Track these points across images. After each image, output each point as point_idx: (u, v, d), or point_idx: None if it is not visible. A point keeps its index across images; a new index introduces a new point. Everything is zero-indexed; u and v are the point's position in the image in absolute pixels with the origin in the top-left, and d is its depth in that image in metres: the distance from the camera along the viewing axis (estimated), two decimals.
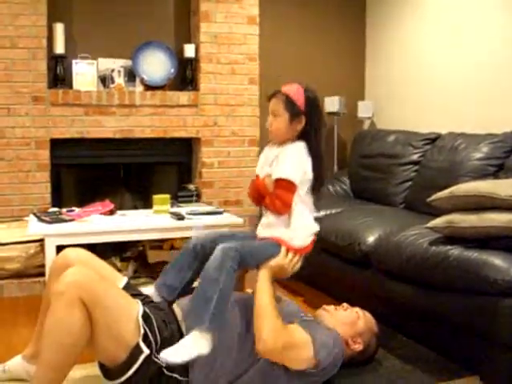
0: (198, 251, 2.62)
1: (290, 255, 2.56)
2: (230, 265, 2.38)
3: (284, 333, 2.34)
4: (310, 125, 2.57)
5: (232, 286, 2.40)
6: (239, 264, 2.42)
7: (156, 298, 2.61)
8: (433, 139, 4.10)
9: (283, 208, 2.55)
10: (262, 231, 2.65)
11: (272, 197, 2.56)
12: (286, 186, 2.52)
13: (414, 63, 4.86)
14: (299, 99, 2.56)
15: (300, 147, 2.57)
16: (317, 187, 2.62)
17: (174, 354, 2.25)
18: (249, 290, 2.81)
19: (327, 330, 2.49)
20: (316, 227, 2.67)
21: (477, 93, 4.20)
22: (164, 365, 2.27)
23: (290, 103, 2.55)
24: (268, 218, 2.63)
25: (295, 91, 2.58)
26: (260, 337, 2.31)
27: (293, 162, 2.54)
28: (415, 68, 4.85)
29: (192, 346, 2.27)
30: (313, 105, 2.59)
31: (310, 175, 2.56)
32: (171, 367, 2.29)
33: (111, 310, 2.22)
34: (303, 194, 2.58)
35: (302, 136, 2.58)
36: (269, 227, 2.62)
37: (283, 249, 2.55)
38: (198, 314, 2.32)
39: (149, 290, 2.66)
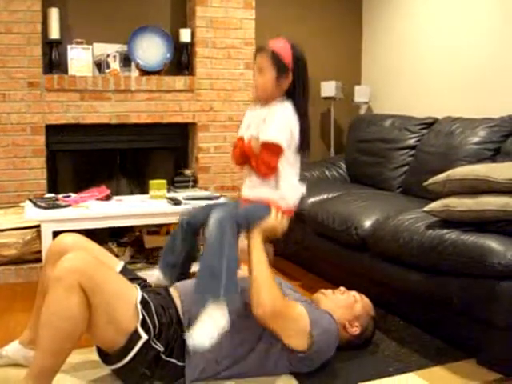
0: (185, 229, 2.63)
1: (280, 216, 2.53)
2: (230, 233, 2.36)
3: (282, 300, 2.37)
4: (297, 82, 2.53)
5: (237, 253, 2.37)
6: (237, 229, 2.40)
7: (163, 281, 2.64)
8: (429, 124, 4.10)
9: (269, 171, 2.51)
10: (248, 191, 2.62)
11: (258, 160, 2.52)
12: (272, 148, 2.48)
13: (411, 48, 4.84)
14: (286, 55, 2.52)
15: (287, 108, 2.52)
16: (304, 147, 2.57)
17: (199, 339, 2.23)
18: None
19: (322, 313, 2.51)
20: (302, 190, 2.64)
21: (474, 77, 4.19)
22: (162, 350, 2.28)
23: (276, 59, 2.50)
24: (253, 179, 2.60)
25: (282, 47, 2.54)
26: (259, 301, 2.33)
27: (280, 123, 2.49)
28: (412, 52, 4.83)
29: (211, 325, 2.24)
30: (300, 61, 2.55)
31: (297, 136, 2.52)
32: (169, 352, 2.30)
33: (110, 296, 2.22)
34: (290, 155, 2.54)
35: (288, 94, 2.54)
36: (254, 188, 2.59)
37: (274, 210, 2.52)
38: (210, 289, 2.28)
39: (155, 274, 2.70)
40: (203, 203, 3.58)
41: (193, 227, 2.63)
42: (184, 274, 2.71)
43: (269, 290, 2.36)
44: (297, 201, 2.63)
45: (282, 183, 2.55)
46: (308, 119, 2.58)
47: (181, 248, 2.65)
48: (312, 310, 2.48)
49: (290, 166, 2.56)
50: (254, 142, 2.56)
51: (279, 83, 2.52)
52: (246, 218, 2.47)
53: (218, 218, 2.38)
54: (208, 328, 2.24)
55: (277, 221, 2.52)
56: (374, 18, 5.32)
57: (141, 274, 2.73)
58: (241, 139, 2.66)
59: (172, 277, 2.66)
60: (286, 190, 2.56)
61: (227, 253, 2.32)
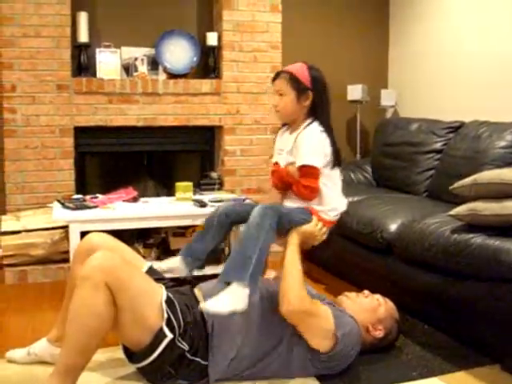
0: (222, 220, 2.71)
1: (320, 224, 2.60)
2: (270, 223, 2.42)
3: (309, 300, 2.39)
4: (317, 100, 2.59)
5: (270, 244, 2.44)
6: (277, 224, 2.46)
7: (181, 268, 2.71)
8: (456, 127, 4.07)
9: (311, 195, 2.59)
10: (290, 204, 2.67)
11: (298, 185, 2.58)
12: (310, 172, 2.55)
13: (438, 51, 4.82)
14: (304, 75, 2.58)
15: (315, 128, 2.59)
16: (336, 162, 2.63)
17: (215, 306, 2.29)
18: (269, 275, 2.84)
19: (346, 316, 2.52)
20: (343, 206, 2.71)
21: (501, 81, 4.16)
22: (186, 349, 2.30)
23: (295, 80, 2.58)
24: (294, 198, 2.66)
25: (298, 68, 2.61)
26: (286, 298, 2.36)
27: (312, 145, 2.56)
28: (438, 56, 4.81)
29: (231, 299, 2.29)
30: (318, 79, 2.61)
31: (329, 154, 2.59)
32: (194, 351, 2.32)
33: (136, 295, 2.25)
34: (328, 173, 2.60)
35: (311, 113, 2.60)
36: (295, 203, 2.65)
37: (315, 217, 2.59)
38: (238, 269, 2.35)
39: (173, 259, 2.75)
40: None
41: (228, 220, 2.70)
42: (203, 265, 2.79)
43: (298, 290, 2.38)
44: (338, 215, 2.70)
45: (323, 201, 2.62)
46: (332, 134, 2.64)
47: (212, 238, 2.72)
48: (336, 311, 2.49)
49: (329, 183, 2.63)
50: (291, 167, 2.64)
51: (300, 103, 2.60)
52: (286, 216, 2.53)
53: (262, 207, 2.46)
54: (227, 299, 2.29)
55: (316, 228, 2.58)
56: (400, 22, 5.31)
57: (168, 260, 2.81)
58: (276, 165, 2.74)
59: (192, 265, 2.73)
60: (327, 208, 2.63)
61: (262, 241, 2.39)
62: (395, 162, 4.41)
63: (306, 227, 2.57)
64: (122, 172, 4.71)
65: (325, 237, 2.67)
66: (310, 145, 2.57)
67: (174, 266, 2.75)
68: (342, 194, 2.74)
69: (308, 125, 2.61)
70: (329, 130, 2.62)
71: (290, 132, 2.70)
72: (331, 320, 2.41)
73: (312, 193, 2.58)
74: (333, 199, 2.65)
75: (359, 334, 2.51)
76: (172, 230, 3.81)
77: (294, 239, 2.54)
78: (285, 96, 2.60)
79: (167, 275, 2.72)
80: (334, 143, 2.61)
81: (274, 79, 2.67)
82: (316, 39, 5.20)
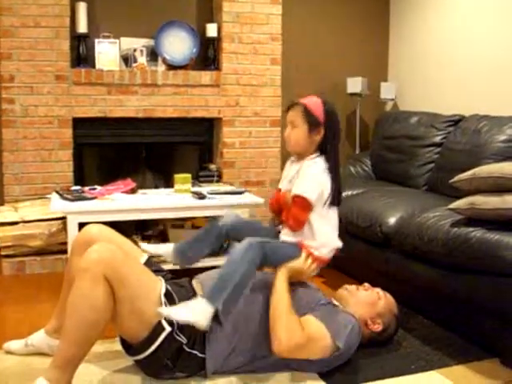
0: (222, 233, 2.70)
1: (309, 261, 2.57)
2: (253, 258, 2.41)
3: (299, 331, 2.35)
4: (328, 137, 2.57)
5: (250, 278, 2.42)
6: (261, 260, 2.45)
7: (168, 258, 2.74)
8: (456, 121, 4.06)
9: (296, 226, 2.56)
10: (285, 238, 2.65)
11: (288, 213, 2.57)
12: (301, 203, 2.52)
13: (438, 44, 4.80)
14: (318, 110, 2.56)
15: (319, 164, 2.57)
16: (336, 200, 2.60)
17: (174, 312, 2.26)
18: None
19: (342, 317, 2.50)
20: (337, 244, 2.68)
21: (501, 74, 4.15)
22: (184, 342, 2.30)
23: (308, 114, 2.55)
24: (286, 230, 2.65)
25: (314, 102, 2.58)
26: (277, 337, 2.33)
27: (311, 179, 2.54)
28: (439, 49, 4.79)
29: (195, 313, 2.27)
30: (331, 116, 2.58)
31: (328, 192, 2.56)
32: (191, 344, 2.32)
33: (134, 288, 2.25)
34: (323, 210, 2.57)
35: (320, 148, 2.59)
36: (290, 236, 2.62)
37: (304, 253, 2.57)
38: (214, 292, 2.33)
39: (166, 247, 2.76)
40: (228, 198, 3.63)
41: (227, 235, 2.72)
42: (190, 264, 2.80)
43: (285, 325, 2.34)
44: (330, 253, 2.66)
45: (316, 237, 2.58)
46: (339, 175, 2.61)
47: (205, 247, 2.73)
48: (332, 318, 2.47)
49: (322, 220, 2.58)
50: (287, 195, 2.62)
51: (311, 137, 2.57)
52: (274, 253, 2.51)
53: (250, 242, 2.44)
54: (185, 313, 2.26)
55: (304, 264, 2.55)
56: (400, 15, 5.29)
57: (160, 245, 2.81)
58: (278, 190, 2.73)
59: (181, 261, 2.74)
60: (320, 244, 2.60)
61: (242, 274, 2.37)
62: (395, 155, 4.41)
63: (294, 264, 2.54)
64: (120, 163, 4.70)
65: (314, 273, 2.64)
66: (309, 178, 2.55)
67: (163, 254, 2.77)
68: (337, 235, 2.69)
69: (313, 159, 2.58)
70: (335, 167, 2.60)
71: (296, 161, 2.68)
72: (327, 338, 2.39)
73: (297, 224, 2.55)
74: (324, 235, 2.61)
75: (358, 332, 2.51)
76: (170, 222, 3.81)
77: (281, 275, 2.51)
78: (297, 128, 2.58)
79: (165, 267, 2.72)
80: (337, 181, 2.59)
81: (287, 109, 2.64)
82: (316, 31, 5.18)
